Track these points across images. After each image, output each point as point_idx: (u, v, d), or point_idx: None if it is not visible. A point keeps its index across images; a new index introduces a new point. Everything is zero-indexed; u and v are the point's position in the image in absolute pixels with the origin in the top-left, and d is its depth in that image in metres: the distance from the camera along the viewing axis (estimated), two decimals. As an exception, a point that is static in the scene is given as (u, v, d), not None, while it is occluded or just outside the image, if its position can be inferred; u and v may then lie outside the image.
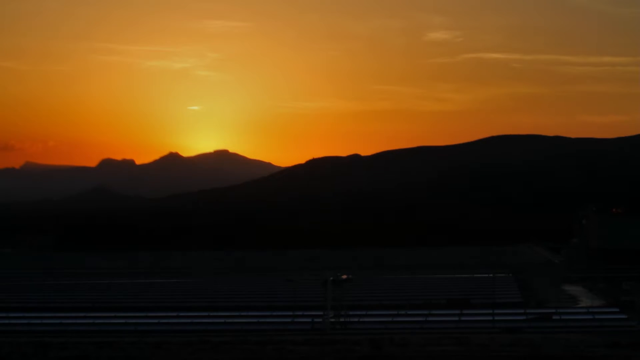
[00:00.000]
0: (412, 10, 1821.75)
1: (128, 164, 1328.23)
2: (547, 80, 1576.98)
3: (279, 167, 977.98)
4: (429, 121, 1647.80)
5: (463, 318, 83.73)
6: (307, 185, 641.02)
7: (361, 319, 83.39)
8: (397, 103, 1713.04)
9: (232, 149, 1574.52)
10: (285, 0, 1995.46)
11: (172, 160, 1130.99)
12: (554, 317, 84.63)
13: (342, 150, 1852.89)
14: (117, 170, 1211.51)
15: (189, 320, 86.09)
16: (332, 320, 79.27)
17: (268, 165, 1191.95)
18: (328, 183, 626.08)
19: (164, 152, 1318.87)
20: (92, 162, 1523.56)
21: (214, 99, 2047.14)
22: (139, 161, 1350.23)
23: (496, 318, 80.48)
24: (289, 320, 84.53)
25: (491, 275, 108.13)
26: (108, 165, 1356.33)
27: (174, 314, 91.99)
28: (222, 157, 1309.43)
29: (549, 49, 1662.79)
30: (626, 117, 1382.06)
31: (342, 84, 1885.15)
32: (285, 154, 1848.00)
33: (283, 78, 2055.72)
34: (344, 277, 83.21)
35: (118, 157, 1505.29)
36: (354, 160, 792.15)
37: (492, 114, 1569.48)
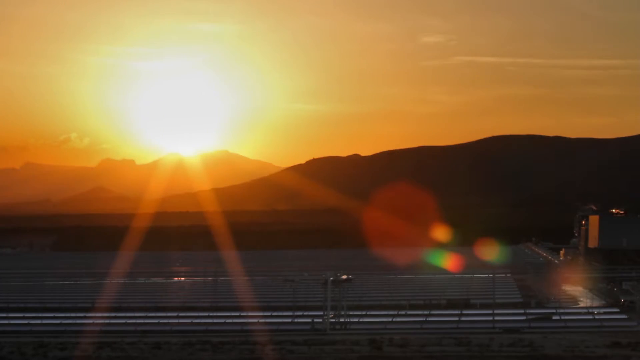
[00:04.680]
0: (408, 14, 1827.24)
1: (128, 164, 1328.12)
2: (542, 83, 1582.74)
3: (279, 167, 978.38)
4: (427, 122, 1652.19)
5: (463, 318, 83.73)
6: (307, 185, 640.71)
7: (361, 319, 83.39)
8: (395, 105, 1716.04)
9: (232, 149, 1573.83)
10: (283, 3, 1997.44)
11: (172, 160, 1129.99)
12: (554, 317, 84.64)
13: (342, 150, 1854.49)
14: (117, 170, 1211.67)
15: (189, 320, 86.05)
16: (332, 320, 79.25)
17: (268, 165, 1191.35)
18: (328, 183, 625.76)
19: (164, 152, 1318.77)
20: (92, 162, 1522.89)
21: (214, 99, 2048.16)
22: (139, 161, 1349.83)
23: (496, 318, 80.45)
24: (288, 320, 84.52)
25: (491, 275, 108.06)
26: (108, 165, 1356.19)
27: (174, 314, 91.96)
28: (222, 157, 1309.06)
29: (542, 53, 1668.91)
30: (617, 118, 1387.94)
31: (342, 85, 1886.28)
32: (285, 154, 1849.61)
33: (282, 79, 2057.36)
34: (344, 277, 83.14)
35: (118, 157, 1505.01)
36: (354, 160, 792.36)
37: (490, 115, 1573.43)
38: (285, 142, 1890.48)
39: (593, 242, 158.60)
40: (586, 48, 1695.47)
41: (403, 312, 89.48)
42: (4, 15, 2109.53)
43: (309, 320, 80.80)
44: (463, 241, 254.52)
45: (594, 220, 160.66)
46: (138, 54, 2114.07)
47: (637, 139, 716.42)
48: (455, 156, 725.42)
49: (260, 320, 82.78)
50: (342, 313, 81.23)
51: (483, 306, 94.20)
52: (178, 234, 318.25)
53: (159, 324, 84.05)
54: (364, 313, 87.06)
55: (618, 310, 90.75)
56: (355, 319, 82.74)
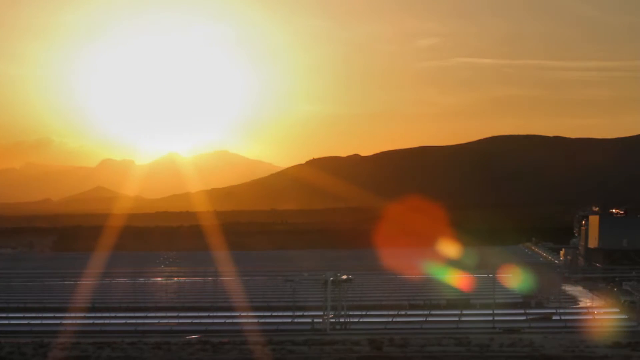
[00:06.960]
0: (406, 17, 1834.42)
1: (128, 164, 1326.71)
2: (538, 84, 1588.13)
3: (279, 167, 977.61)
4: (427, 123, 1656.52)
5: (463, 318, 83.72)
6: (307, 185, 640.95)
7: (361, 319, 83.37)
8: (394, 105, 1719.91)
9: (232, 148, 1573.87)
10: (284, 5, 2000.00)
11: (172, 160, 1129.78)
12: (554, 317, 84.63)
13: (342, 150, 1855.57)
14: (117, 170, 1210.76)
15: (189, 321, 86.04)
16: (332, 320, 79.23)
17: (268, 165, 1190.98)
18: (328, 183, 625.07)
19: (164, 152, 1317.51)
20: (92, 162, 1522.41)
21: (214, 99, 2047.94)
22: (138, 161, 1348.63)
23: (496, 318, 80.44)
24: (288, 320, 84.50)
25: (491, 275, 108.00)
26: (108, 165, 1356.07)
27: (174, 314, 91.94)
28: (222, 157, 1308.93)
29: (539, 54, 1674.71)
30: (614, 120, 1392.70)
31: (342, 86, 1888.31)
32: (285, 154, 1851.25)
33: (283, 80, 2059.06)
34: (344, 277, 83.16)
35: (118, 157, 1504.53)
36: (354, 160, 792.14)
37: (489, 116, 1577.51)
38: (285, 142, 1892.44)
39: (593, 243, 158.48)
40: (582, 50, 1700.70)
41: (403, 312, 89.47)
42: (4, 17, 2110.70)
43: (309, 320, 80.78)
44: (464, 243, 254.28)
45: (594, 220, 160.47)
46: (138, 54, 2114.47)
47: (636, 139, 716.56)
48: (454, 156, 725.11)
49: (260, 320, 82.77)
50: (342, 313, 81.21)
51: (483, 306, 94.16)
52: (178, 233, 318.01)
53: (159, 324, 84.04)
54: (364, 313, 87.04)
55: (618, 310, 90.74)
56: (355, 319, 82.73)
